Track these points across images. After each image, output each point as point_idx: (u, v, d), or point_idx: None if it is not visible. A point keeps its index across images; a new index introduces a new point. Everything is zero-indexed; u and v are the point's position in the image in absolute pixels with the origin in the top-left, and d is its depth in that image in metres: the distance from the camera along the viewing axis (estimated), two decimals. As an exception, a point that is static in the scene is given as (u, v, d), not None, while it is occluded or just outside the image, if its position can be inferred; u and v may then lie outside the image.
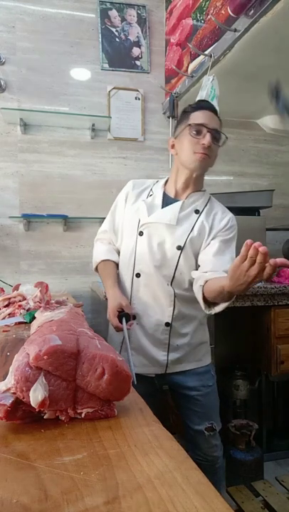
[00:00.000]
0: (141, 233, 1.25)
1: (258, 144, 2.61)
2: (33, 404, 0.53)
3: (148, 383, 1.29)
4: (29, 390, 0.53)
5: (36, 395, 0.53)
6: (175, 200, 1.26)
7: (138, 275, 1.25)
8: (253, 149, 2.60)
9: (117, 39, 2.37)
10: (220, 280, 1.02)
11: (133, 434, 0.53)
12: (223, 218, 1.26)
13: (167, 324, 1.24)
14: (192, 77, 1.96)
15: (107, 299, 1.27)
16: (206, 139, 1.16)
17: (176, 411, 1.88)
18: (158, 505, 0.37)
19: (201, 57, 1.82)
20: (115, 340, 1.31)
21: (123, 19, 2.38)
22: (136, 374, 1.22)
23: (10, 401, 0.53)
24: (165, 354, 1.26)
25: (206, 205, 1.28)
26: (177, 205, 1.24)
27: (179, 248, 1.21)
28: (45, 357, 0.54)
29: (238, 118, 2.48)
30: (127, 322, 1.15)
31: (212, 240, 1.23)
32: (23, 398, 0.53)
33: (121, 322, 1.14)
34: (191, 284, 1.22)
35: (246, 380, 2.04)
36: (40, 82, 2.25)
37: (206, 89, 1.68)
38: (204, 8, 1.75)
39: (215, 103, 1.69)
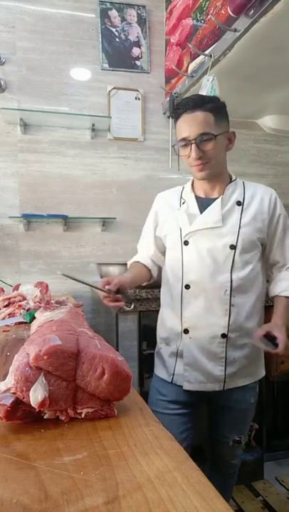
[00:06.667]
0: (186, 242, 1.18)
1: (258, 144, 2.61)
2: (33, 404, 0.53)
3: (197, 396, 1.22)
4: (29, 390, 0.53)
5: (36, 395, 0.53)
6: (209, 199, 1.19)
7: (187, 286, 1.18)
8: (253, 149, 2.60)
9: (117, 39, 2.37)
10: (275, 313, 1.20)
11: (133, 434, 0.53)
12: (271, 198, 1.21)
13: (223, 336, 1.16)
14: (192, 77, 1.96)
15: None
16: (192, 153, 1.11)
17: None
18: (158, 505, 0.37)
19: (201, 57, 1.82)
20: (164, 354, 1.26)
21: (123, 19, 2.38)
22: (191, 391, 1.18)
23: (10, 401, 0.53)
24: (222, 369, 1.17)
25: (244, 193, 1.20)
26: (217, 204, 1.17)
27: (233, 247, 1.14)
28: (45, 357, 0.54)
29: (238, 118, 2.48)
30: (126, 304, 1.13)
31: (269, 226, 1.19)
32: (23, 398, 0.53)
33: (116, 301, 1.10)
34: (250, 286, 1.19)
35: (246, 380, 2.04)
36: (40, 82, 2.25)
37: (206, 89, 1.68)
38: (204, 8, 1.75)
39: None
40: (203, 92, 1.68)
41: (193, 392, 1.19)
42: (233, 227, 1.16)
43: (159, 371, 1.28)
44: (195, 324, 1.18)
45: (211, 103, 1.11)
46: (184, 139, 1.12)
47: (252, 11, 1.40)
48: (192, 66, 1.96)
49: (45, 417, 0.56)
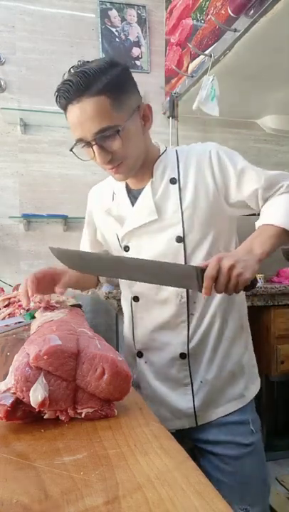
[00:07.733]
0: (126, 248, 0.97)
1: (258, 143, 2.61)
2: (33, 404, 0.53)
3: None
4: (29, 390, 0.53)
5: (36, 395, 0.53)
6: (141, 189, 0.95)
7: (136, 299, 0.97)
8: (253, 149, 2.60)
9: (117, 39, 2.37)
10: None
11: (133, 434, 0.53)
12: (211, 158, 0.90)
13: (183, 356, 0.92)
14: (192, 77, 1.96)
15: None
16: (97, 157, 0.82)
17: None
18: (158, 505, 0.37)
19: (201, 57, 1.82)
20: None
21: (123, 19, 2.38)
22: None
23: (10, 401, 0.53)
24: (190, 399, 0.92)
25: (178, 166, 0.93)
26: (146, 192, 0.92)
27: (180, 240, 0.90)
28: (45, 357, 0.54)
29: (238, 118, 2.48)
30: None
31: (229, 190, 0.91)
32: (23, 398, 0.53)
33: None
34: None
35: (246, 380, 2.04)
36: (40, 82, 2.25)
37: (206, 89, 1.68)
38: (204, 8, 1.75)
39: (215, 103, 1.69)
40: (203, 92, 1.68)
41: None
42: (174, 215, 0.90)
43: None
44: (149, 345, 0.96)
45: (100, 77, 0.76)
46: (80, 140, 0.82)
47: (252, 11, 1.40)
48: (192, 66, 1.96)
49: (45, 417, 0.56)
